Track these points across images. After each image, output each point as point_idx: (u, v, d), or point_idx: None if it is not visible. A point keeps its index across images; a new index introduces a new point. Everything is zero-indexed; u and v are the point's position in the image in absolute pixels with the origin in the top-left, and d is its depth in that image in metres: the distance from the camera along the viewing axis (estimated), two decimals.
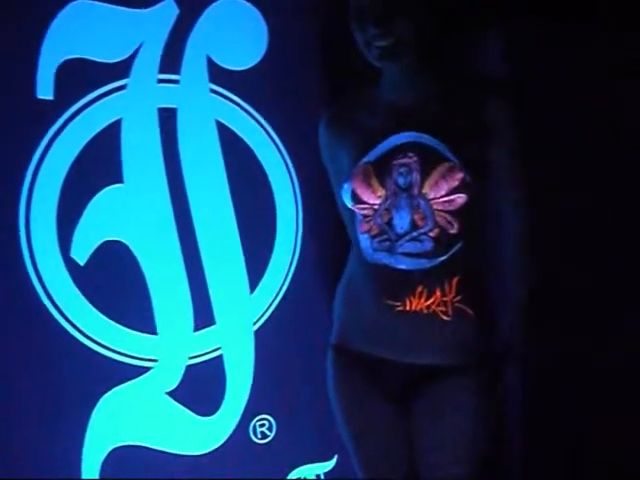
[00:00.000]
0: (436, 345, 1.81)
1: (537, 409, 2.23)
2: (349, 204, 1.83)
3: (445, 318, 1.78)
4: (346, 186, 1.82)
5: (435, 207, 1.76)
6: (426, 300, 1.78)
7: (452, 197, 1.74)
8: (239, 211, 2.12)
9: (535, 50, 2.07)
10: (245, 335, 2.15)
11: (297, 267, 2.20)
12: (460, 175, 1.73)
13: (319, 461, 2.27)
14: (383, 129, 1.80)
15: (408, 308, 1.78)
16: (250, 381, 2.16)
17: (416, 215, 1.76)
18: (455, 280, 1.78)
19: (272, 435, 2.20)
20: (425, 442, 1.83)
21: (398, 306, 1.79)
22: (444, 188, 1.74)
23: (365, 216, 1.82)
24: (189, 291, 2.08)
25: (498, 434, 2.04)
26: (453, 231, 1.76)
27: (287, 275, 2.19)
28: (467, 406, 1.81)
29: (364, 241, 1.83)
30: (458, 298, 1.79)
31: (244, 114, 2.12)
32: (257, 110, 2.13)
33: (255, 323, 2.16)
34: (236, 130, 2.11)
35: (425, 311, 1.78)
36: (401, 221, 1.78)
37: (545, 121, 2.04)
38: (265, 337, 2.17)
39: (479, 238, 1.84)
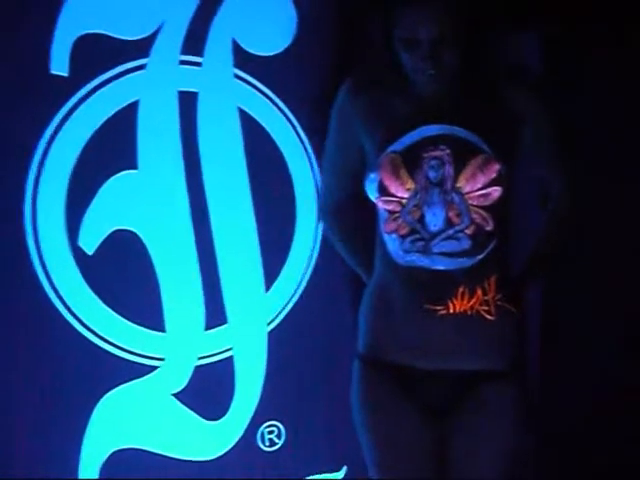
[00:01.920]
0: (486, 348, 1.72)
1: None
2: (373, 196, 1.70)
3: (490, 318, 1.69)
4: (372, 176, 1.70)
5: (470, 202, 1.66)
6: (469, 300, 1.68)
7: (488, 190, 1.65)
8: (258, 203, 2.01)
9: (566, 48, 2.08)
10: (258, 336, 2.04)
11: (317, 265, 2.09)
12: (497, 167, 1.65)
13: (328, 472, 2.16)
14: (412, 119, 1.69)
15: (452, 310, 1.68)
16: (261, 385, 2.05)
17: (451, 211, 1.66)
18: (493, 278, 1.70)
19: (280, 443, 2.09)
20: (463, 454, 1.73)
21: (441, 310, 1.68)
22: (481, 181, 1.65)
23: (391, 212, 1.70)
24: (201, 287, 1.97)
25: None
26: (489, 228, 1.67)
27: (305, 273, 2.08)
28: (512, 414, 1.74)
29: (391, 242, 1.71)
30: (499, 296, 1.70)
31: (268, 102, 2.00)
32: (282, 99, 2.01)
33: (269, 324, 2.05)
34: (259, 119, 2.00)
35: (470, 312, 1.69)
36: (434, 218, 1.67)
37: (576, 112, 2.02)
38: (279, 339, 2.05)
39: (509, 235, 1.76)
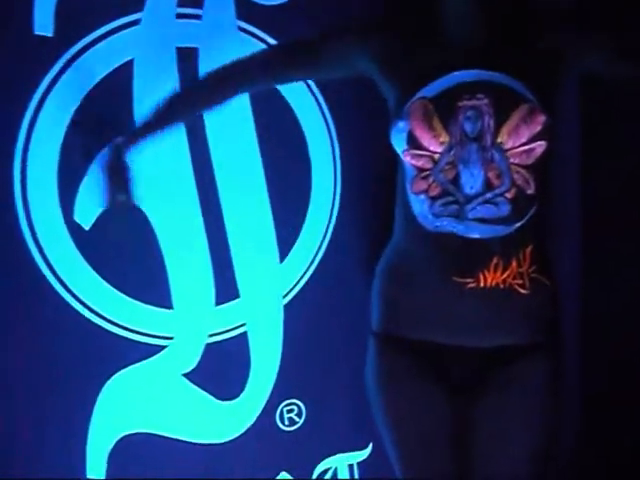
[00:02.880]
0: (517, 323, 1.57)
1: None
2: (401, 148, 1.54)
3: (523, 292, 1.54)
4: (401, 124, 1.52)
5: (512, 161, 1.49)
6: (502, 273, 1.52)
7: (532, 145, 1.48)
8: (269, 169, 1.86)
9: None
10: (273, 310, 1.90)
11: (334, 233, 1.94)
12: (542, 118, 1.48)
13: (352, 450, 2.04)
14: (446, 63, 1.52)
15: (482, 284, 1.52)
16: (278, 362, 1.92)
17: (490, 172, 1.50)
18: (530, 248, 1.54)
19: (301, 422, 1.97)
20: (491, 435, 1.59)
21: (470, 282, 1.52)
22: (525, 135, 1.48)
23: (421, 170, 1.53)
24: (210, 260, 1.83)
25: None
26: (530, 191, 1.51)
27: (322, 242, 1.93)
28: (544, 391, 1.59)
29: (419, 204, 1.54)
30: (534, 268, 1.55)
31: None
32: None
33: (285, 296, 1.91)
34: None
35: (502, 286, 1.53)
36: (471, 179, 1.50)
37: None
38: (296, 312, 1.91)
39: (549, 200, 1.61)
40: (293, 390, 1.95)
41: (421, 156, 1.52)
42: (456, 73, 1.50)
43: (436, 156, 1.51)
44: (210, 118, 1.77)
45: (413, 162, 1.52)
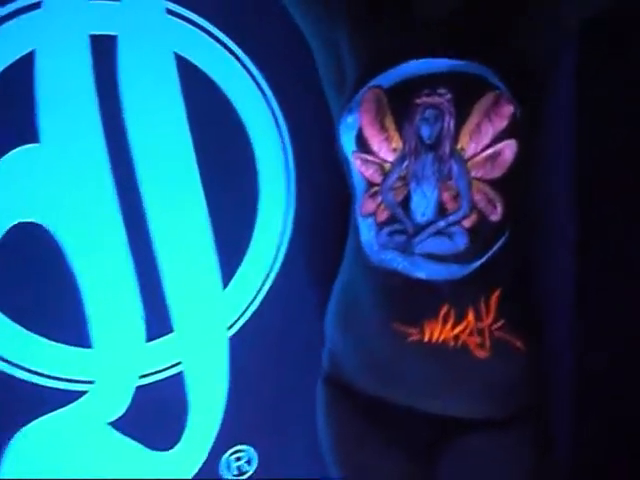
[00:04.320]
0: (470, 394, 1.26)
1: None
2: (350, 148, 1.25)
3: (481, 354, 1.23)
4: (350, 119, 1.23)
5: (474, 174, 1.18)
6: (454, 327, 1.22)
7: (498, 147, 1.18)
8: (207, 177, 1.56)
9: None
10: (215, 344, 1.62)
11: (287, 254, 1.64)
12: (509, 109, 1.17)
13: None
14: (406, 45, 1.23)
15: (427, 338, 1.22)
16: (222, 403, 1.64)
17: (445, 192, 1.20)
18: (496, 294, 1.22)
19: (252, 470, 1.69)
20: None
21: (412, 334, 1.23)
22: (488, 132, 1.17)
23: (370, 184, 1.24)
24: (137, 288, 1.54)
25: None
26: (495, 217, 1.20)
27: (273, 264, 1.64)
28: (512, 473, 1.27)
29: (367, 230, 1.26)
30: (500, 323, 1.23)
31: (216, 45, 1.52)
32: (234, 40, 1.53)
33: (229, 328, 1.62)
34: (204, 67, 1.52)
35: (452, 343, 1.23)
36: (424, 202, 1.21)
37: None
38: (243, 346, 1.63)
39: (528, 225, 1.29)
40: (241, 435, 1.67)
41: (370, 163, 1.23)
42: (416, 61, 1.21)
43: (386, 166, 1.22)
44: (135, 126, 1.47)
45: (362, 170, 1.24)
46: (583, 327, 1.74)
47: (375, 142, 1.22)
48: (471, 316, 1.22)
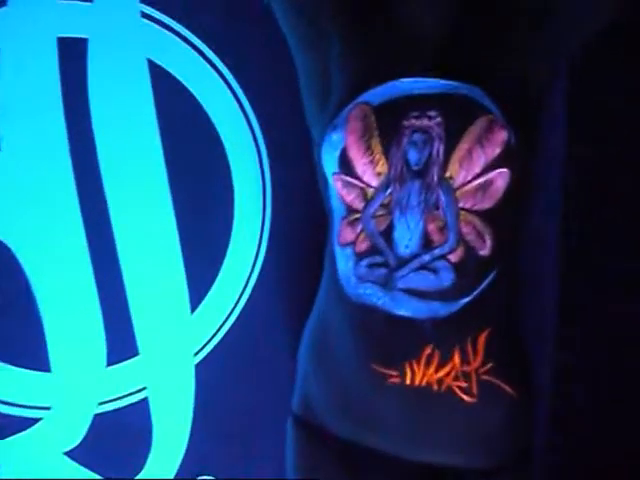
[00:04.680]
0: (451, 439, 1.18)
1: None
2: (331, 169, 1.16)
3: (467, 399, 1.14)
4: (335, 137, 1.14)
5: (462, 205, 1.10)
6: (437, 369, 1.13)
7: (489, 176, 1.09)
8: (178, 192, 1.46)
9: None
10: (182, 370, 1.52)
11: (260, 276, 1.54)
12: (503, 135, 1.08)
13: None
14: (396, 61, 1.15)
15: (408, 381, 1.14)
16: (187, 432, 1.54)
17: (431, 223, 1.11)
18: (484, 335, 1.14)
19: None
20: None
21: (393, 376, 1.14)
22: (480, 160, 1.09)
23: (350, 209, 1.16)
24: (99, 308, 1.44)
25: None
26: (484, 252, 1.11)
27: (245, 287, 1.54)
28: None
29: (344, 260, 1.18)
30: (488, 366, 1.14)
31: (193, 53, 1.43)
32: (212, 47, 1.43)
33: (197, 354, 1.52)
34: (178, 75, 1.43)
35: (435, 387, 1.14)
36: (407, 233, 1.12)
37: None
38: (210, 373, 1.53)
39: (515, 265, 1.20)
40: (206, 465, 1.57)
41: (352, 187, 1.14)
42: (407, 80, 1.13)
43: (369, 191, 1.13)
44: (100, 138, 1.38)
45: (343, 194, 1.15)
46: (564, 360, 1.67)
47: (359, 164, 1.14)
48: (457, 358, 1.13)
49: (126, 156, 1.42)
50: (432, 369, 1.13)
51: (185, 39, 1.42)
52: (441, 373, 1.13)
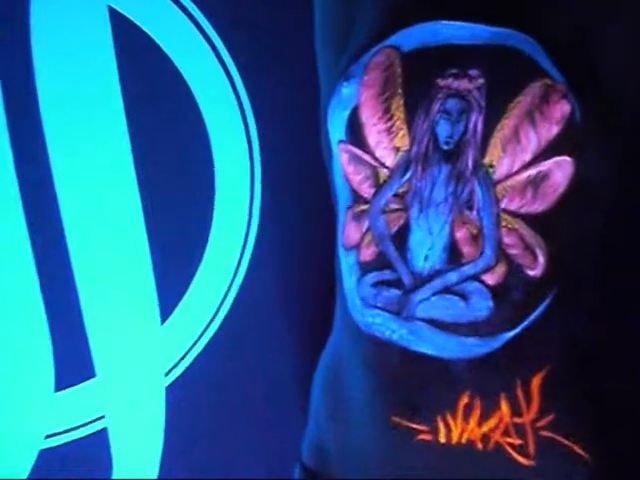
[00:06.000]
0: None
1: None
2: (337, 135, 0.88)
3: (523, 461, 0.88)
4: (345, 91, 0.87)
5: (506, 204, 0.82)
6: (480, 423, 0.86)
7: (544, 167, 0.81)
8: (145, 174, 1.19)
9: None
10: (149, 394, 1.26)
11: (245, 281, 1.27)
12: (565, 107, 0.80)
13: None
14: (432, 5, 0.87)
15: (443, 438, 0.87)
16: (156, 466, 1.29)
17: (461, 228, 0.83)
18: (538, 377, 0.86)
19: None
20: None
21: (422, 432, 0.87)
22: (531, 143, 0.81)
23: (356, 195, 0.88)
24: (46, 321, 1.18)
25: None
26: (535, 271, 0.83)
27: (228, 291, 1.27)
28: None
29: (348, 271, 0.90)
30: (548, 419, 0.87)
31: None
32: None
33: (167, 374, 1.26)
34: (146, 28, 1.14)
35: (480, 445, 0.87)
36: (428, 240, 0.83)
37: None
38: (183, 396, 1.27)
39: (581, 286, 0.89)
40: None
41: (361, 163, 0.86)
42: (447, 23, 0.85)
43: (382, 173, 0.85)
44: (47, 113, 1.12)
45: (349, 171, 0.87)
46: None
47: (373, 131, 0.85)
48: (505, 408, 0.87)
49: (79, 128, 1.16)
50: (473, 423, 0.87)
51: None
52: (485, 427, 0.87)
